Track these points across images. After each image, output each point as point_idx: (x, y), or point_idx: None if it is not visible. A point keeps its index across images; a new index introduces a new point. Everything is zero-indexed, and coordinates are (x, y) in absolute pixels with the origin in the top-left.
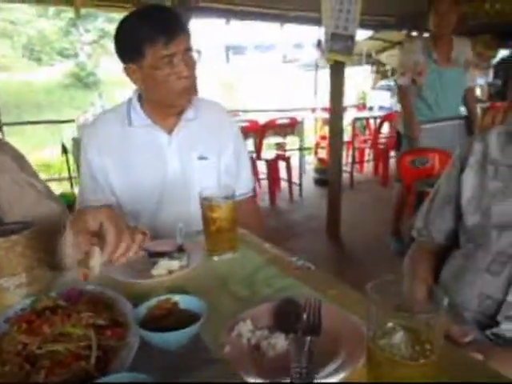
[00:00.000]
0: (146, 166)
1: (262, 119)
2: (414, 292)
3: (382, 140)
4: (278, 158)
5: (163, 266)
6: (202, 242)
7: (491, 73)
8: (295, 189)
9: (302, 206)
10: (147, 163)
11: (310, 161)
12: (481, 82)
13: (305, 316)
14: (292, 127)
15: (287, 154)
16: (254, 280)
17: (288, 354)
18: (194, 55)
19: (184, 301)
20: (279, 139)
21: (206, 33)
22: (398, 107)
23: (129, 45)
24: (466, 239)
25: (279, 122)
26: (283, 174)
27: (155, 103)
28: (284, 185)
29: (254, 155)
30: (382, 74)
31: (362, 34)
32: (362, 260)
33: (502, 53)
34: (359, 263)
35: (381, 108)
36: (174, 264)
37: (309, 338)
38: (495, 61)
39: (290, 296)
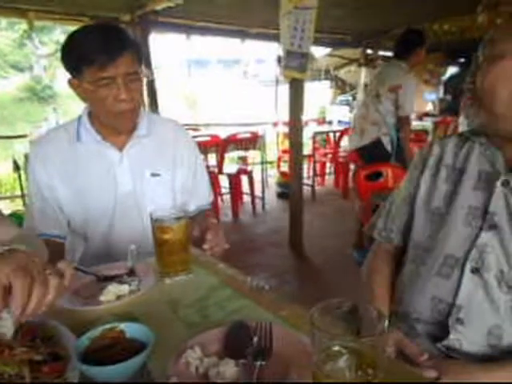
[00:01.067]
0: (97, 184)
1: (224, 134)
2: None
3: (342, 153)
4: (240, 172)
5: (112, 291)
6: (155, 264)
7: (441, 89)
8: (258, 203)
9: (264, 219)
10: (98, 181)
11: (273, 174)
12: (432, 98)
13: (255, 340)
14: (253, 141)
15: (249, 168)
16: (207, 303)
17: (238, 380)
18: (143, 75)
19: (130, 329)
20: (241, 154)
21: (167, 47)
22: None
23: (70, 61)
24: (415, 244)
25: (240, 136)
26: (246, 188)
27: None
28: (247, 199)
29: (216, 170)
30: (340, 89)
31: (320, 51)
32: (324, 272)
33: (451, 70)
34: (322, 275)
35: (340, 122)
36: (124, 289)
37: (259, 363)
38: (445, 77)
39: (242, 319)
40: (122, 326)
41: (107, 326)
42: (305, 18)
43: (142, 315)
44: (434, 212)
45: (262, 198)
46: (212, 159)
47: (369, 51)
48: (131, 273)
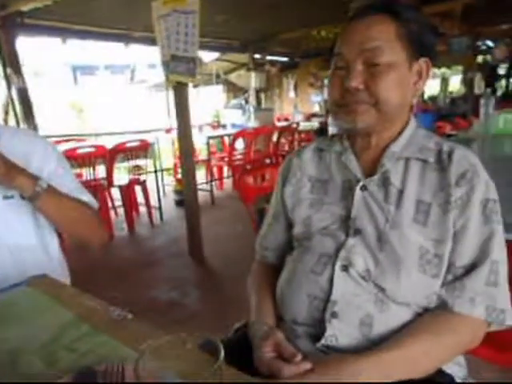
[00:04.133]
0: None
1: (113, 143)
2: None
3: (238, 156)
4: (133, 182)
5: None
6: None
7: (326, 91)
8: (155, 213)
9: (163, 230)
10: None
11: (171, 182)
12: (318, 99)
13: None
14: (144, 150)
15: (144, 177)
16: (57, 346)
17: None
18: None
19: None
20: (135, 163)
21: (50, 52)
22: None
23: None
24: (296, 245)
25: (129, 145)
26: (142, 198)
27: None
28: (143, 210)
29: (106, 182)
30: (233, 93)
31: (209, 55)
32: (225, 278)
33: None
34: (223, 282)
35: (233, 126)
36: None
37: None
38: (328, 80)
39: (89, 365)
40: None
41: None
42: (187, 22)
43: None
44: (305, 221)
45: (159, 208)
46: (102, 171)
47: (257, 56)
48: None
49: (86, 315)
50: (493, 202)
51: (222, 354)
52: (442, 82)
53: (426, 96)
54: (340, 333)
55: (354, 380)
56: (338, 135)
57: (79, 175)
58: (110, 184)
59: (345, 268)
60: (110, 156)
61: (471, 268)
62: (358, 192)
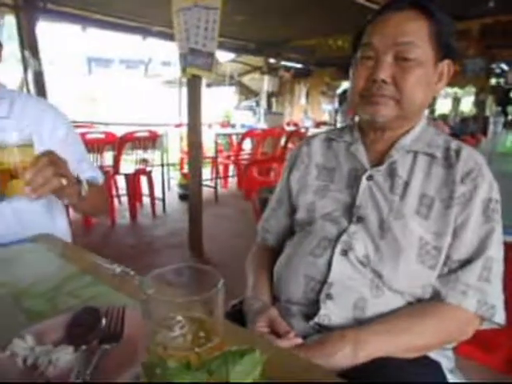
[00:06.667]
0: None
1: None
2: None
3: (245, 156)
4: (139, 172)
5: None
6: None
7: (337, 100)
8: (158, 204)
9: (165, 221)
10: None
11: (176, 177)
12: (329, 108)
13: (103, 324)
14: (153, 141)
15: (149, 168)
16: (60, 292)
17: (73, 368)
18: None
19: None
20: (142, 154)
21: (66, 42)
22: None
23: None
24: (297, 230)
25: (138, 135)
26: (146, 189)
27: None
28: (147, 201)
29: (112, 170)
30: (245, 95)
31: (224, 56)
32: (223, 270)
33: (345, 84)
34: (221, 275)
35: (243, 126)
36: None
37: (106, 347)
38: (339, 90)
39: (90, 305)
40: None
41: None
42: (208, 18)
43: None
44: (309, 207)
45: (163, 200)
46: (109, 159)
47: (271, 60)
48: None
49: (90, 269)
50: (495, 202)
51: (221, 280)
52: (453, 101)
53: (436, 114)
54: (333, 313)
55: (346, 349)
56: (348, 126)
57: None
58: (117, 171)
59: (344, 252)
60: (119, 143)
61: (466, 262)
62: (363, 181)
